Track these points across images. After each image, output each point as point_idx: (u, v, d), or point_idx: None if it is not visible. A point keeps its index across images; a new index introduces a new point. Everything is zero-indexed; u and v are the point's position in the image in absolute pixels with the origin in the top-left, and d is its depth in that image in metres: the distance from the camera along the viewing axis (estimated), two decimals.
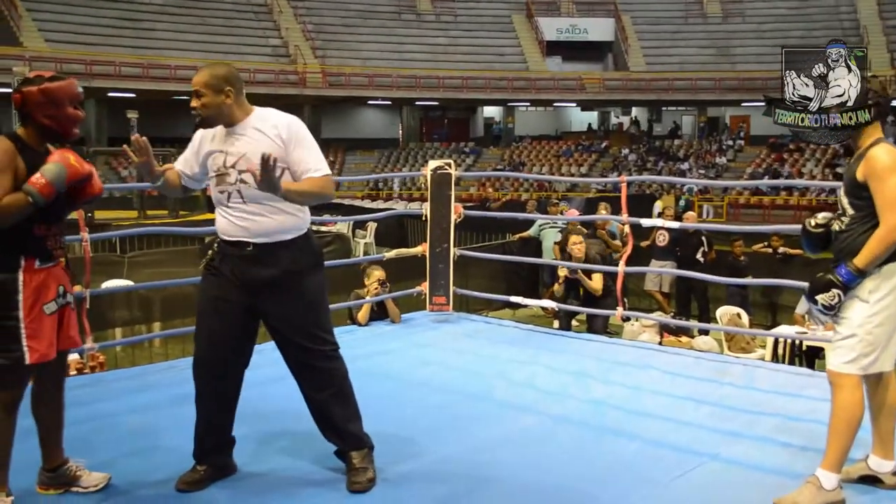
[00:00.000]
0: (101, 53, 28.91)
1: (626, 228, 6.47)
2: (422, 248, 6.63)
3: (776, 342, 7.49)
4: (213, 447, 3.36)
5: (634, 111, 40.96)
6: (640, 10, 37.48)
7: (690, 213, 12.85)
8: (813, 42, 34.36)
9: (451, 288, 6.56)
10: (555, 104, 38.55)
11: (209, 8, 33.40)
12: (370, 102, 36.50)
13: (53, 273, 3.03)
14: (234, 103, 3.21)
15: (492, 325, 6.63)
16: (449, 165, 6.57)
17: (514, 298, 7.08)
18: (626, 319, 8.13)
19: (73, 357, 5.88)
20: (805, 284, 6.44)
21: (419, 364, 5.25)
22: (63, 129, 3.00)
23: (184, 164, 3.42)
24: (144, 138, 3.25)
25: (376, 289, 6.36)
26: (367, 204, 25.04)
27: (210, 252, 3.36)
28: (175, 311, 8.44)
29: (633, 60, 35.93)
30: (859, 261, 3.06)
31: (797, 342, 7.40)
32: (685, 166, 32.47)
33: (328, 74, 32.72)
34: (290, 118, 3.27)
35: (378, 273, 6.42)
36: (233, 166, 3.19)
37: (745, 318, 8.61)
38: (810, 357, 7.45)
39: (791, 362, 7.22)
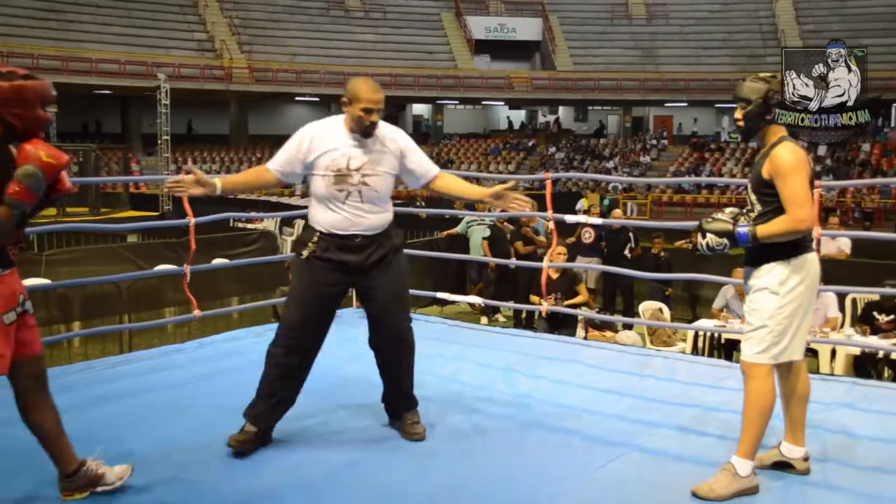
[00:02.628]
0: (18, 45, 27.98)
1: (551, 225, 6.54)
2: None
3: (696, 335, 7.69)
4: (271, 410, 3.67)
5: (561, 110, 41.46)
6: (567, 11, 37.96)
7: (617, 211, 13.11)
8: (733, 44, 35.36)
9: None
10: (483, 102, 38.82)
11: (133, 0, 32.59)
12: (298, 99, 36.16)
13: (12, 280, 2.87)
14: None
15: (419, 321, 6.61)
16: None
17: (441, 295, 7.11)
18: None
19: None
20: (723, 279, 6.63)
21: (346, 360, 5.22)
22: (28, 131, 2.82)
23: (286, 164, 3.73)
24: (191, 175, 3.67)
25: None
26: (295, 201, 24.78)
27: (310, 244, 3.70)
28: (95, 311, 8.24)
29: (560, 60, 36.36)
30: (760, 231, 3.19)
31: (716, 335, 7.61)
32: (611, 164, 33.01)
33: (255, 70, 32.30)
34: (398, 130, 3.83)
35: None
36: (357, 169, 3.64)
37: (666, 312, 8.81)
38: (728, 349, 7.66)
39: (710, 355, 7.42)
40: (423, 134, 39.90)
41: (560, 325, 7.73)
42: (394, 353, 3.86)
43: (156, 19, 32.42)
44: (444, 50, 36.45)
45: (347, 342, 5.25)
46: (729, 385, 4.77)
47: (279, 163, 3.73)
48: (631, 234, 10.19)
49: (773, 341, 3.24)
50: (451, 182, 3.93)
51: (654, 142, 35.44)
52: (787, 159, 3.16)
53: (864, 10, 34.35)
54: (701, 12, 36.98)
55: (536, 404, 4.39)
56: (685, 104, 36.29)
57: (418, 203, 21.70)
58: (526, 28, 37.61)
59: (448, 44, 36.69)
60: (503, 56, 37.06)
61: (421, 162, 3.83)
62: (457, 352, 5.49)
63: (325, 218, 3.67)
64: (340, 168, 3.62)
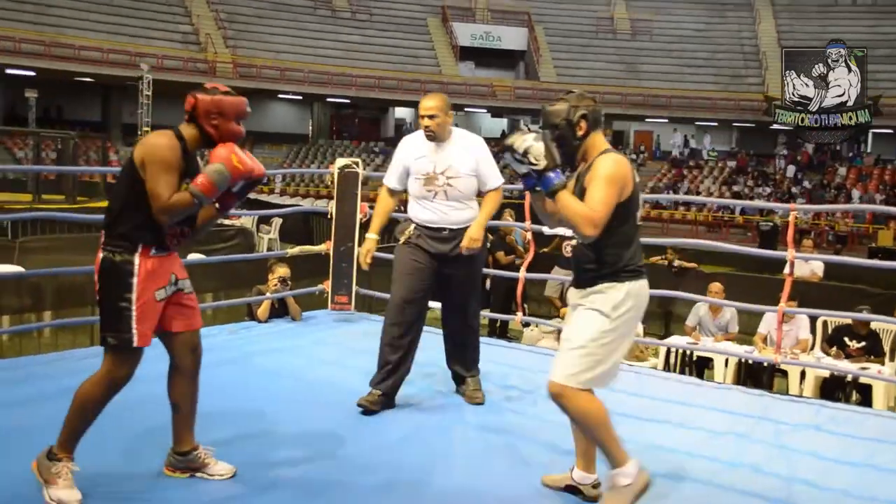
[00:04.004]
0: None
1: (529, 235, 6.57)
2: (325, 246, 6.59)
3: (668, 352, 7.74)
4: (388, 377, 4.31)
5: None
6: (553, 22, 38.10)
7: None
8: (715, 63, 35.67)
9: (354, 287, 6.54)
10: (466, 109, 38.81)
11: None
12: (281, 96, 36.01)
13: (168, 261, 3.18)
14: (448, 124, 4.39)
15: None
16: (357, 164, 6.56)
17: None
18: (526, 325, 8.25)
19: None
20: (697, 297, 6.68)
21: (317, 363, 5.22)
22: (223, 140, 3.16)
23: (397, 178, 4.53)
24: (368, 260, 4.56)
25: (275, 286, 6.30)
26: (273, 199, 24.70)
27: (408, 232, 4.43)
28: (68, 301, 8.16)
29: (544, 70, 36.49)
30: (564, 193, 2.98)
31: (688, 352, 7.67)
32: None
33: (239, 65, 32.12)
34: (477, 139, 4.54)
35: (282, 270, 6.35)
36: (442, 173, 4.33)
37: (639, 327, 8.86)
38: (700, 367, 7.73)
39: (682, 371, 7.47)
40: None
41: None
42: (461, 332, 4.58)
43: (141, 9, 32.10)
44: (429, 55, 36.47)
45: (318, 344, 5.24)
46: (698, 402, 4.82)
47: (393, 180, 4.54)
48: None
49: (588, 366, 3.06)
50: (486, 201, 4.47)
51: (634, 157, 35.66)
52: (607, 166, 3.02)
53: (845, 34, 34.80)
54: (685, 30, 37.28)
55: (507, 414, 4.41)
56: (666, 120, 36.53)
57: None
58: (511, 37, 37.71)
59: (433, 49, 36.71)
60: (487, 64, 37.14)
61: (488, 172, 4.45)
62: (428, 358, 5.47)
63: (419, 214, 4.41)
64: (428, 172, 4.36)
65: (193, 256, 9.09)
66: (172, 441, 3.32)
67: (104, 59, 29.04)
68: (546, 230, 6.28)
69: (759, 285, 10.04)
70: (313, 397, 4.53)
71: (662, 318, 10.59)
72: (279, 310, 6.37)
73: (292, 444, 3.76)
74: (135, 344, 3.05)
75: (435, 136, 4.35)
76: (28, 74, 28.05)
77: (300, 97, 35.91)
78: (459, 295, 4.52)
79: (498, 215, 5.76)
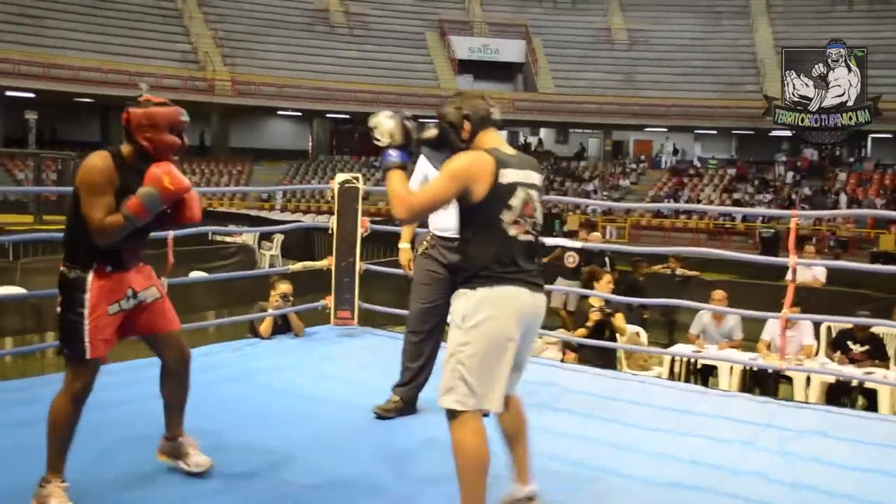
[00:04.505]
0: None
1: None
2: (327, 262, 6.59)
3: (672, 360, 7.72)
4: (413, 379, 4.44)
5: (542, 132, 41.66)
6: (551, 34, 38.22)
7: (595, 234, 13.14)
8: (713, 72, 35.74)
9: (357, 302, 6.53)
10: None
11: (116, 9, 32.43)
12: (280, 113, 36.11)
13: (125, 277, 3.27)
14: None
15: (396, 339, 6.60)
16: (357, 179, 6.56)
17: None
18: None
19: None
20: (700, 305, 6.67)
21: (321, 378, 5.21)
22: (158, 153, 3.17)
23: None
24: (410, 267, 4.73)
25: (277, 302, 6.30)
26: (275, 215, 24.73)
27: (425, 242, 4.54)
28: None
29: (543, 82, 36.59)
30: (391, 172, 3.01)
31: (692, 360, 7.65)
32: (591, 187, 33.21)
33: (237, 83, 32.24)
34: None
35: (284, 287, 6.35)
36: None
37: (643, 336, 8.84)
38: (704, 375, 7.70)
39: (686, 380, 7.44)
40: None
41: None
42: None
43: (139, 29, 32.27)
44: (427, 69, 36.58)
45: (322, 359, 5.23)
46: (703, 410, 4.81)
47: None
48: (607, 259, 10.24)
49: (454, 383, 2.87)
50: None
51: (634, 166, 35.69)
52: (455, 160, 2.97)
53: (843, 39, 34.92)
54: (682, 39, 37.38)
55: None
56: (665, 129, 36.59)
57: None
58: (509, 49, 37.83)
59: (431, 63, 36.83)
60: (486, 76, 37.22)
61: None
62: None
63: (436, 223, 4.44)
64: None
65: (195, 274, 9.10)
66: (165, 427, 3.51)
67: (103, 80, 29.14)
68: (547, 241, 6.28)
69: (761, 292, 10.03)
70: (318, 413, 4.52)
71: (666, 326, 10.58)
72: (282, 326, 6.36)
73: (296, 460, 3.75)
74: (87, 356, 3.14)
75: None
76: (27, 96, 28.15)
77: (299, 113, 36.01)
78: None
79: None
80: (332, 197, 6.59)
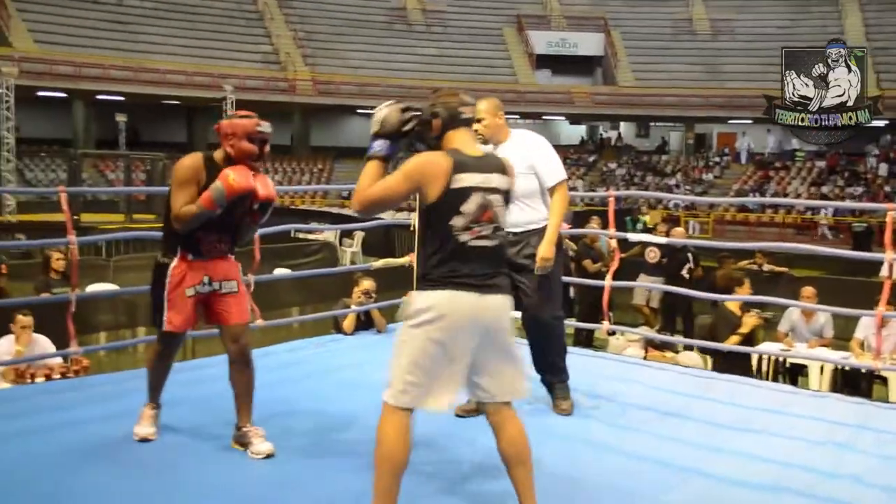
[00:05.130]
0: (90, 56, 28.75)
1: (614, 243, 6.48)
2: (408, 259, 6.63)
3: (760, 359, 7.53)
4: None
5: (622, 126, 41.11)
6: (630, 26, 37.66)
7: (678, 229, 12.87)
8: None
9: None
10: (543, 117, 38.65)
11: (200, 13, 33.27)
12: (359, 111, 36.49)
13: (204, 266, 3.79)
14: (503, 125, 4.40)
15: None
16: None
17: None
18: (612, 333, 8.15)
19: (56, 361, 5.86)
20: (788, 302, 6.48)
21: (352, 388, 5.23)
22: (238, 158, 3.76)
23: None
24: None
25: (359, 298, 6.37)
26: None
27: None
28: None
29: (622, 75, 36.09)
30: (368, 163, 3.08)
31: (781, 359, 7.45)
32: (672, 182, 32.64)
33: (318, 82, 32.69)
34: (533, 137, 4.47)
35: (367, 283, 6.41)
36: None
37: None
38: (793, 374, 7.49)
39: (774, 379, 7.25)
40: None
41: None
42: (539, 339, 4.52)
43: (223, 31, 33.03)
44: (505, 64, 36.47)
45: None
46: (794, 411, 4.67)
47: None
48: (690, 254, 10.02)
49: (392, 378, 2.91)
50: (551, 208, 4.37)
51: (718, 159, 34.90)
52: (411, 159, 3.02)
53: None
54: (767, 28, 36.33)
55: (595, 424, 4.34)
56: (750, 121, 35.70)
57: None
58: (588, 43, 37.40)
59: (509, 58, 36.69)
60: (564, 71, 36.90)
61: (545, 168, 4.35)
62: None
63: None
64: None
65: (280, 271, 9.26)
66: (236, 418, 3.84)
67: (189, 82, 29.93)
68: (631, 237, 6.20)
69: (854, 289, 9.71)
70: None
71: None
72: (365, 322, 6.43)
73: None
74: (164, 327, 3.77)
75: (486, 139, 4.32)
76: (117, 99, 29.08)
77: None
78: (530, 302, 4.43)
79: (583, 222, 5.69)
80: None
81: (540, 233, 4.34)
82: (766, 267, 10.83)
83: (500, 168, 3.05)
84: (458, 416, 4.32)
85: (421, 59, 35.21)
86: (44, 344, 6.04)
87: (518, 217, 4.23)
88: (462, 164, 2.93)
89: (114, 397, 4.56)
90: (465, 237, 2.91)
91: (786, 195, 29.59)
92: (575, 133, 41.66)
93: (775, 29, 36.22)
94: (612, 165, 35.16)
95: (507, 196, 3.04)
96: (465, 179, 2.91)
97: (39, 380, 5.69)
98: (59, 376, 5.71)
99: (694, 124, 37.21)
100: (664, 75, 35.60)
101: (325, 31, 34.99)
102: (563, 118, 38.99)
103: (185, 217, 3.64)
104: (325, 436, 4.03)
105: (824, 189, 30.01)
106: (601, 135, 40.92)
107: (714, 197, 28.38)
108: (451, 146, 3.01)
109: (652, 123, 40.58)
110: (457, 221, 2.91)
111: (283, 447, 3.73)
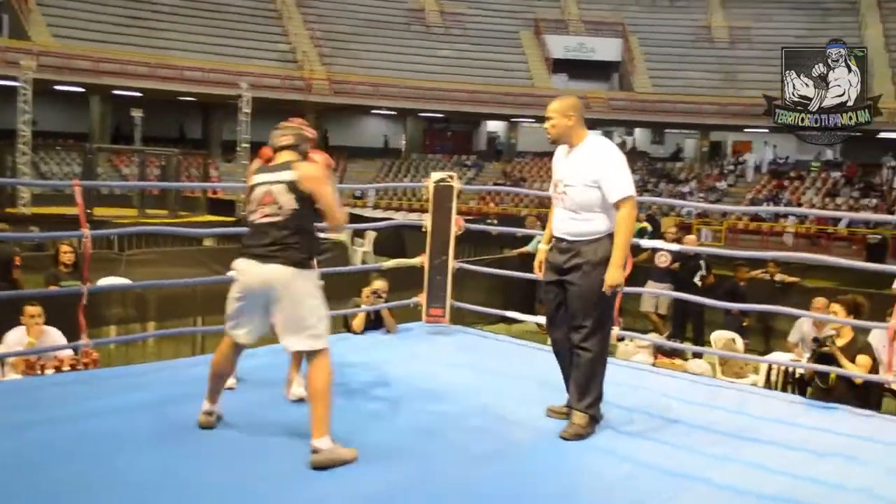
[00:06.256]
0: (108, 51, 28.93)
1: None
2: (421, 260, 6.63)
3: (769, 368, 7.49)
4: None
5: (637, 132, 41.02)
6: (648, 32, 37.59)
7: (690, 237, 12.83)
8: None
9: (448, 300, 6.55)
10: None
11: (218, 11, 33.43)
12: (374, 112, 36.52)
13: None
14: (575, 126, 4.29)
15: (487, 338, 6.63)
16: (451, 178, 6.58)
17: (510, 314, 7.07)
18: (621, 339, 8.12)
19: (67, 353, 5.89)
20: (799, 312, 6.41)
21: (412, 376, 5.23)
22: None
23: (553, 188, 4.37)
24: (538, 269, 4.54)
25: (367, 297, 6.36)
26: (367, 213, 25.03)
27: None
28: (170, 312, 8.44)
29: (639, 81, 36.02)
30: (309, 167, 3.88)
31: (790, 369, 7.40)
32: (686, 189, 32.53)
33: (334, 82, 32.76)
34: (606, 147, 4.28)
35: (379, 284, 6.40)
36: (560, 180, 4.27)
37: (739, 342, 8.62)
38: (802, 385, 7.44)
39: (784, 389, 7.21)
40: (497, 151, 39.90)
41: None
42: (571, 350, 4.32)
43: (240, 30, 33.16)
44: (521, 68, 36.45)
45: (413, 357, 5.23)
46: (803, 422, 4.65)
47: (551, 188, 4.41)
48: (702, 262, 9.98)
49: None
50: (616, 227, 4.16)
51: (732, 167, 34.77)
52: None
53: None
54: (786, 37, 36.13)
55: (602, 430, 4.32)
56: (766, 130, 35.54)
57: (489, 221, 21.71)
58: (605, 48, 37.35)
59: (526, 62, 36.68)
60: (581, 75, 36.86)
61: (609, 184, 4.12)
62: (524, 371, 5.45)
63: (552, 222, 4.40)
64: (553, 178, 4.34)
65: None
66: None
67: (205, 79, 30.05)
68: (643, 243, 6.17)
69: (867, 301, 9.62)
70: (408, 411, 4.52)
71: (762, 333, 10.27)
72: (375, 322, 6.43)
73: (381, 456, 3.78)
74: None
75: (555, 140, 4.32)
76: (134, 95, 29.24)
77: (393, 112, 36.33)
78: (570, 311, 4.26)
79: None
80: (427, 195, 6.63)
81: (591, 243, 4.16)
82: (779, 277, 10.78)
83: (287, 167, 3.80)
84: (547, 416, 4.41)
85: (437, 61, 35.25)
86: (55, 336, 6.07)
87: (570, 227, 4.22)
88: (257, 169, 3.92)
89: (123, 391, 4.58)
90: (251, 217, 3.85)
91: (799, 205, 29.43)
92: None
93: (794, 38, 36.02)
94: None
95: (288, 184, 3.73)
96: (255, 178, 3.89)
97: (49, 371, 5.72)
98: (68, 368, 5.73)
99: (709, 132, 37.08)
100: (681, 82, 35.53)
101: (343, 31, 35.07)
102: None
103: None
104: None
105: (838, 200, 29.85)
106: (619, 139, 40.83)
107: (727, 205, 28.26)
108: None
109: (667, 130, 40.47)
110: (248, 207, 3.95)
111: (290, 445, 3.73)
